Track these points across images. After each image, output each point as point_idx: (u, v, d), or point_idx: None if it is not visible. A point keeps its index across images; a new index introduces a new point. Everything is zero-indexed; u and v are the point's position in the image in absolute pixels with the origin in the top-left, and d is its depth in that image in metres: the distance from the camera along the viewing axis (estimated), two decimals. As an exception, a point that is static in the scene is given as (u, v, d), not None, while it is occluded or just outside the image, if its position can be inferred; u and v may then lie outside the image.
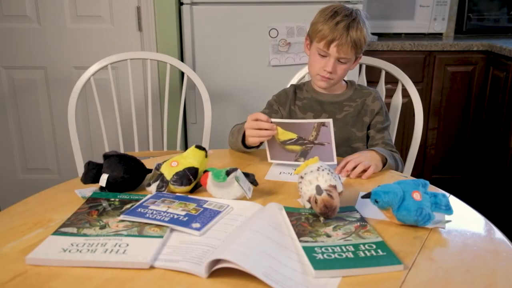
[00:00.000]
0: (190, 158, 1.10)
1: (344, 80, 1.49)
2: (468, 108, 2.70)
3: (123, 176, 1.06)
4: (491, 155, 2.58)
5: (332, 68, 1.35)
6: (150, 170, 1.12)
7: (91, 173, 1.07)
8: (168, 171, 1.07)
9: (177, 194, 1.06)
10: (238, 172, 1.02)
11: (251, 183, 1.05)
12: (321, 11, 1.38)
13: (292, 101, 1.48)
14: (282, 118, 1.47)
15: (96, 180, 1.07)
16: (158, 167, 1.10)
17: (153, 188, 1.07)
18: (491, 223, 0.96)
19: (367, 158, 1.22)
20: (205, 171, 1.07)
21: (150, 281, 0.75)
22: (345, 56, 1.34)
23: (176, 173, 1.07)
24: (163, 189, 1.07)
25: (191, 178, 1.07)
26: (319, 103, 1.45)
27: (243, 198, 1.03)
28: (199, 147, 1.12)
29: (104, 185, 1.06)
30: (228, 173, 1.02)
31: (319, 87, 1.44)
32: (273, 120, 1.23)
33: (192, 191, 1.09)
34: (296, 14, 2.32)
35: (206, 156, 1.12)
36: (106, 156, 1.10)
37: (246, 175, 1.04)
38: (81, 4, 2.34)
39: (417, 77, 2.59)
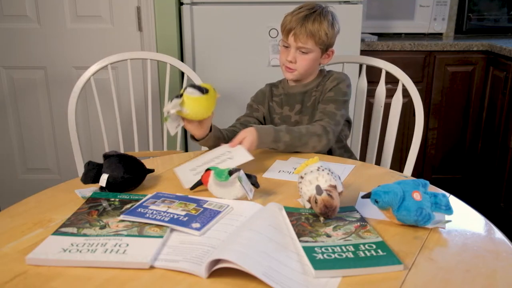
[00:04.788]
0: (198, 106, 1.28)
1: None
2: (468, 108, 2.70)
3: (123, 176, 1.06)
4: (491, 155, 2.58)
5: (292, 57, 1.41)
6: (150, 170, 1.12)
7: (91, 173, 1.07)
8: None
9: (177, 194, 1.06)
10: (241, 173, 1.02)
11: (253, 184, 1.05)
12: None
13: (269, 99, 1.55)
14: (263, 115, 1.53)
15: (96, 180, 1.07)
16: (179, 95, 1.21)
17: (169, 107, 1.18)
18: (491, 223, 0.96)
19: (249, 140, 1.26)
20: (207, 170, 1.07)
21: (150, 281, 0.75)
22: (304, 46, 1.40)
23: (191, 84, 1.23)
24: (179, 98, 1.19)
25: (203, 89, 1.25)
26: (291, 96, 1.51)
27: (244, 198, 1.03)
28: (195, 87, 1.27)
29: (104, 185, 1.06)
30: (230, 173, 1.02)
31: (287, 79, 1.49)
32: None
33: (192, 189, 1.09)
34: (296, 14, 2.32)
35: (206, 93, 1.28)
36: (106, 156, 1.10)
37: (249, 176, 1.04)
38: (81, 4, 2.34)
39: (417, 77, 2.59)
